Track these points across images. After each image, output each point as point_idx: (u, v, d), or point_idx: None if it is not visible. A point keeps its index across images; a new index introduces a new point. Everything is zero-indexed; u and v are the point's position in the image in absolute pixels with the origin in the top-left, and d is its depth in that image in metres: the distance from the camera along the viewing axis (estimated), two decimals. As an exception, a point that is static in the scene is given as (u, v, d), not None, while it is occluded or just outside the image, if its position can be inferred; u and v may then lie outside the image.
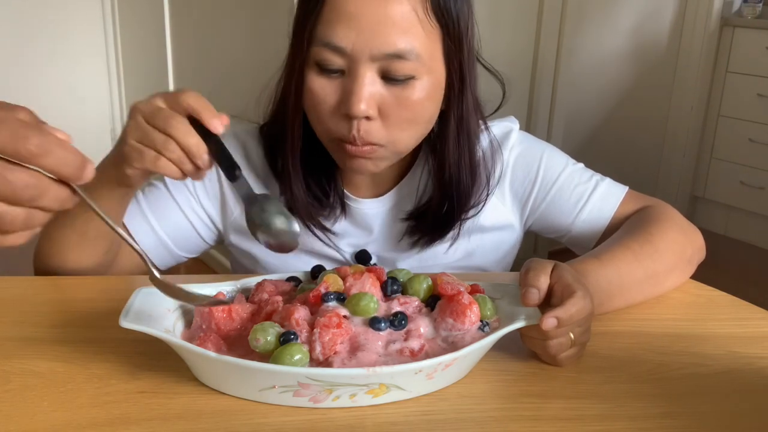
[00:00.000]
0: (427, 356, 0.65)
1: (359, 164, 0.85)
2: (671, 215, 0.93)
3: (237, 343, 0.67)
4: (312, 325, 0.64)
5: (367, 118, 0.80)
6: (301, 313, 0.65)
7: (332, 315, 0.64)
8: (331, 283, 0.69)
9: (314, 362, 0.63)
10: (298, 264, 0.96)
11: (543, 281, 0.71)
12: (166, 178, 0.94)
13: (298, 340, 0.63)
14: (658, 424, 0.63)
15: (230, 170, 0.70)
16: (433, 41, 0.81)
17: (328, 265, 0.96)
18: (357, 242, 0.97)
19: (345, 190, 0.95)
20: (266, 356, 0.64)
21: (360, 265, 0.74)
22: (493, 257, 1.00)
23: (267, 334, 0.63)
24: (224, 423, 0.61)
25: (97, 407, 0.62)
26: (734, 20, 3.27)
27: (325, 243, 0.95)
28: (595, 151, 3.13)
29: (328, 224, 0.94)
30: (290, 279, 0.77)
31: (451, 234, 0.94)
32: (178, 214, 0.96)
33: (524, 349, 0.72)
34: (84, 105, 3.49)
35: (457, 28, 0.82)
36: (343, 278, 0.72)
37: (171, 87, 2.93)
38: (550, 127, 2.78)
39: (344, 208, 0.95)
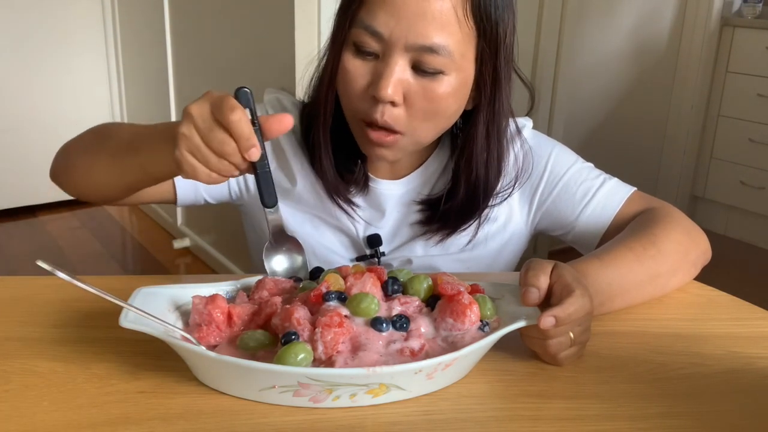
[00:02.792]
0: (428, 356, 0.65)
1: (379, 152, 0.88)
2: (676, 217, 0.92)
3: (237, 341, 0.67)
4: (313, 325, 0.64)
5: (393, 103, 0.83)
6: (301, 313, 0.65)
7: (333, 314, 0.64)
8: (331, 282, 0.69)
9: (316, 362, 0.63)
10: (315, 235, 0.98)
11: (543, 281, 0.71)
12: None
13: (299, 340, 0.63)
14: (657, 423, 0.63)
15: (270, 198, 0.76)
16: (468, 42, 0.83)
17: (341, 241, 0.97)
18: (370, 222, 0.98)
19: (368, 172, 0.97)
20: (268, 356, 0.64)
21: (360, 265, 0.74)
22: (497, 251, 1.01)
23: (253, 340, 0.65)
24: (224, 423, 0.61)
25: (97, 407, 0.62)
26: (734, 20, 3.27)
27: (347, 213, 0.96)
28: (594, 150, 3.12)
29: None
30: (292, 278, 0.78)
31: (469, 230, 0.95)
32: None
33: (524, 348, 0.72)
34: (83, 102, 3.49)
35: (494, 34, 0.84)
36: (344, 278, 0.72)
37: (171, 85, 2.93)
38: (550, 126, 2.78)
39: (365, 187, 0.97)
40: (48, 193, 3.46)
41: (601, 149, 3.19)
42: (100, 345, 0.72)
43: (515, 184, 0.97)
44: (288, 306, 0.67)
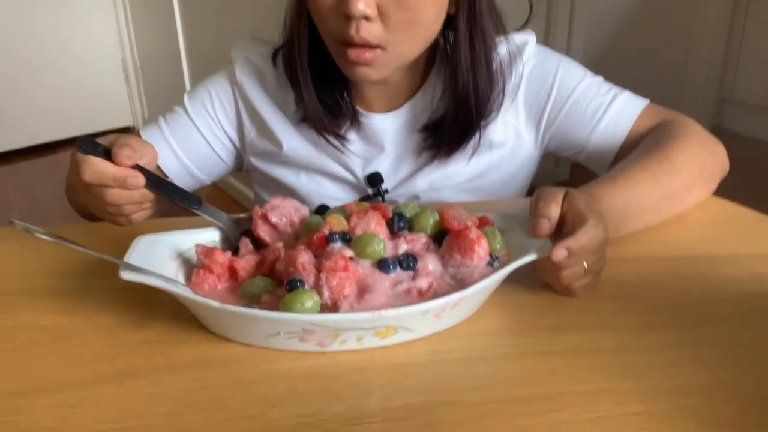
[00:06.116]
0: (435, 295, 0.63)
1: (361, 71, 0.84)
2: (691, 129, 0.88)
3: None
4: (318, 269, 0.62)
5: (366, 18, 0.79)
6: (305, 258, 0.63)
7: (338, 258, 0.62)
8: (334, 224, 0.67)
9: (322, 307, 0.61)
10: (314, 188, 0.98)
11: (554, 210, 0.68)
12: (187, 103, 0.97)
13: (305, 286, 0.62)
14: (674, 355, 0.61)
15: (190, 198, 0.73)
16: None
17: (342, 188, 0.95)
18: (368, 161, 0.95)
19: (357, 107, 0.94)
20: (272, 301, 0.63)
21: (364, 203, 0.72)
22: (506, 178, 0.97)
23: (255, 287, 0.65)
24: (232, 371, 0.60)
25: (103, 360, 0.62)
26: None
27: (340, 151, 0.94)
28: (619, 52, 3.01)
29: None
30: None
31: (471, 144, 0.92)
32: (199, 139, 0.98)
33: (536, 280, 0.70)
34: (92, 42, 3.45)
35: None
36: (348, 216, 0.70)
37: (177, 17, 2.86)
38: (570, 35, 2.67)
39: (355, 123, 0.94)
40: (66, 128, 3.47)
41: (625, 51, 3.08)
42: (104, 295, 0.71)
43: (504, 89, 0.92)
44: (291, 251, 0.65)
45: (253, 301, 0.64)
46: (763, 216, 0.85)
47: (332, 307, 0.61)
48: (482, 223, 0.70)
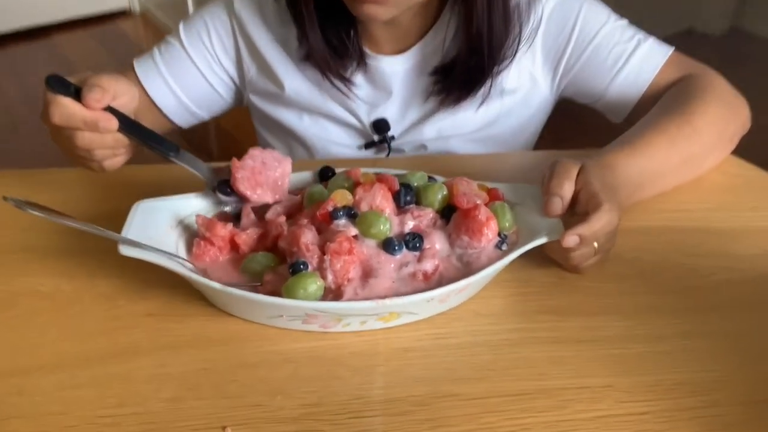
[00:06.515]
0: (441, 278, 0.62)
1: (370, 9, 0.78)
2: (716, 86, 0.84)
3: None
4: (322, 249, 0.61)
5: None
6: (308, 237, 0.62)
7: (343, 239, 0.60)
8: (338, 199, 0.64)
9: (326, 290, 0.60)
10: (316, 131, 0.94)
11: (567, 189, 0.66)
12: (183, 35, 0.92)
13: (309, 268, 0.60)
14: (678, 345, 0.61)
15: (167, 151, 0.69)
16: None
17: (347, 133, 0.92)
18: (375, 105, 0.91)
19: (364, 48, 0.89)
20: (276, 280, 0.61)
21: (371, 174, 0.69)
22: (518, 127, 0.94)
23: (258, 263, 0.63)
24: (234, 352, 0.60)
25: (105, 335, 0.61)
26: None
27: (345, 94, 0.90)
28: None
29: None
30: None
31: (481, 92, 0.87)
32: (196, 73, 0.93)
33: (544, 255, 0.69)
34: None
35: None
36: (354, 185, 0.67)
37: None
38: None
39: (362, 65, 0.89)
40: (62, 10, 3.34)
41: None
42: (105, 255, 0.68)
43: (521, 33, 0.87)
44: (294, 228, 0.63)
45: (255, 278, 0.63)
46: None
47: (336, 291, 0.60)
48: (492, 197, 0.68)
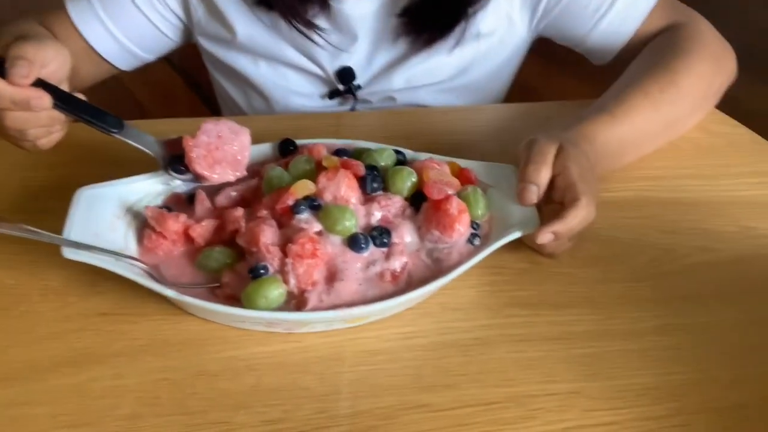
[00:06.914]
0: (410, 277, 0.59)
1: None
2: (704, 37, 0.78)
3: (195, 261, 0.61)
4: (283, 250, 0.57)
5: None
6: (268, 237, 0.58)
7: (305, 241, 0.56)
8: (299, 190, 0.60)
9: (289, 294, 0.57)
10: (273, 77, 0.88)
11: (544, 176, 0.62)
12: None
13: (270, 271, 0.57)
14: (651, 343, 0.60)
15: (109, 127, 0.64)
16: None
17: (309, 81, 0.85)
18: (338, 52, 0.84)
19: None
20: (235, 280, 0.58)
21: (334, 158, 0.64)
22: (493, 72, 0.88)
23: (214, 260, 0.59)
24: (192, 358, 0.57)
25: (57, 340, 0.58)
26: None
27: (310, 39, 0.83)
28: None
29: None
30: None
31: (455, 33, 0.81)
32: (137, 15, 0.85)
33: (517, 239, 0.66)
34: None
35: None
36: (316, 165, 0.63)
37: None
38: None
39: (324, 7, 0.81)
40: None
41: None
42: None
43: None
44: (253, 225, 0.59)
45: (212, 276, 0.59)
46: (761, 140, 0.79)
47: (299, 297, 0.57)
48: (464, 179, 0.64)
